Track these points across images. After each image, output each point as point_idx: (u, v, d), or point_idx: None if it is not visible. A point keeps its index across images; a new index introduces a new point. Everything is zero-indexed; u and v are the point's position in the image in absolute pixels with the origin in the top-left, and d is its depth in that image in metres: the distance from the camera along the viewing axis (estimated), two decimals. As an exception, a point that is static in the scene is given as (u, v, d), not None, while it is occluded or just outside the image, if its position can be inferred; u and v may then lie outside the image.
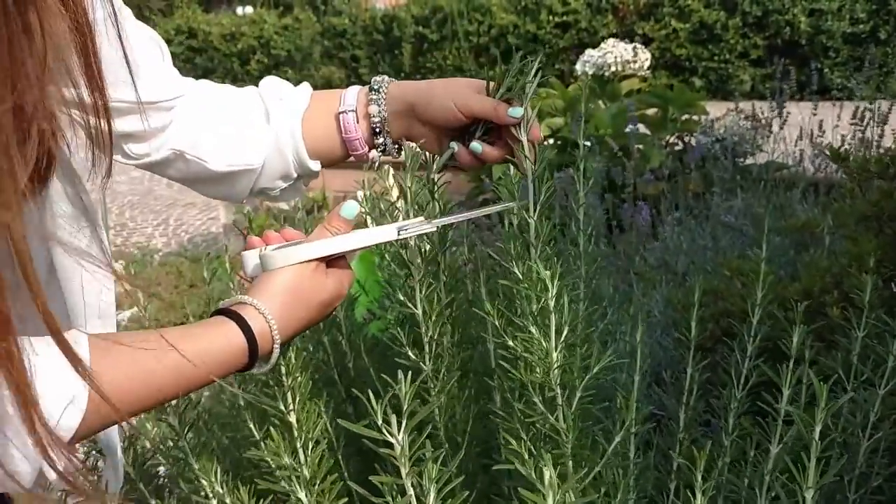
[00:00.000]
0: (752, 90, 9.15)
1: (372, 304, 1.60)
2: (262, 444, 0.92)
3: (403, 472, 0.56)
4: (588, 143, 2.92)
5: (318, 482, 0.78)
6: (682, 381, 1.07)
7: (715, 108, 3.02)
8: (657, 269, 2.05)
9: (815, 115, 2.75)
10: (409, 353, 0.88)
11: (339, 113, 0.86)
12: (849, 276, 1.50)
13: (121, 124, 0.75)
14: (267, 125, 0.86)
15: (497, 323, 0.80)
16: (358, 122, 0.86)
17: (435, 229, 0.78)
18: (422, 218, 0.78)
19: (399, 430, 0.55)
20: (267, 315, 0.68)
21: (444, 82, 0.84)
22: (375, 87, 0.86)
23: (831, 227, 1.94)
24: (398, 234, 0.75)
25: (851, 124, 2.70)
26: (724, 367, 1.12)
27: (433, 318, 0.87)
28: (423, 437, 0.60)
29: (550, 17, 10.00)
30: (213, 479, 0.82)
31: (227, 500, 0.81)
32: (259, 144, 0.85)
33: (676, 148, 3.10)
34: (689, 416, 1.05)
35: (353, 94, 0.87)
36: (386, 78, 0.88)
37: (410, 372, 0.59)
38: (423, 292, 0.87)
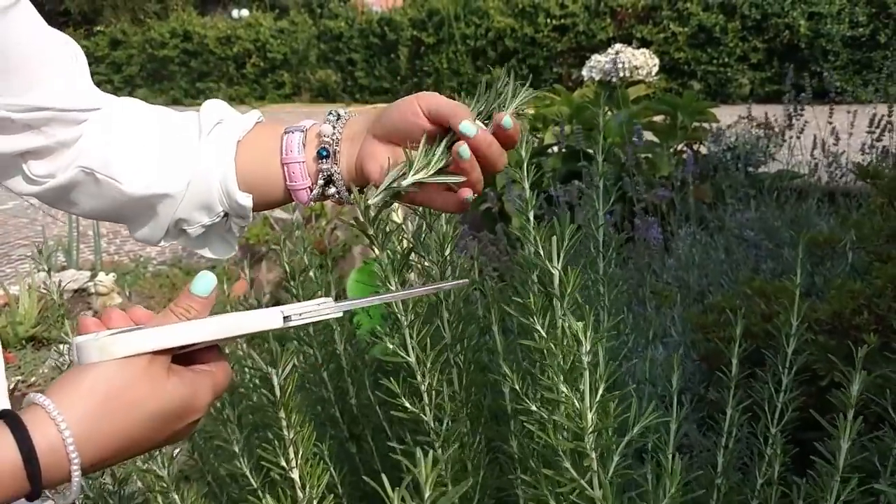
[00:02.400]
0: (751, 93, 9.09)
1: (375, 323, 1.51)
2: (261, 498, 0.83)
3: None
4: (590, 152, 2.83)
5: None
6: (720, 422, 0.97)
7: (719, 113, 2.94)
8: (670, 286, 1.96)
9: (830, 123, 2.66)
10: (406, 405, 0.79)
11: (284, 133, 0.71)
12: (883, 297, 1.41)
13: (17, 140, 0.64)
14: (196, 145, 0.72)
15: (518, 386, 0.71)
16: (304, 146, 0.70)
17: (340, 314, 0.60)
18: (326, 299, 0.60)
19: None
20: (61, 425, 0.49)
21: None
22: (336, 113, 0.74)
23: (854, 243, 1.85)
24: (283, 322, 0.57)
25: (868, 132, 2.62)
26: (751, 394, 1.03)
27: (428, 365, 0.77)
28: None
29: (548, 21, 9.94)
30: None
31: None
32: (183, 166, 0.71)
33: (685, 156, 3.01)
34: (727, 461, 0.96)
35: (308, 122, 0.74)
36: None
37: (431, 453, 0.49)
38: (416, 338, 0.77)
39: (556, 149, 3.00)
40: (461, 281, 0.70)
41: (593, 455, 0.64)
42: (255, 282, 3.44)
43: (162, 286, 3.01)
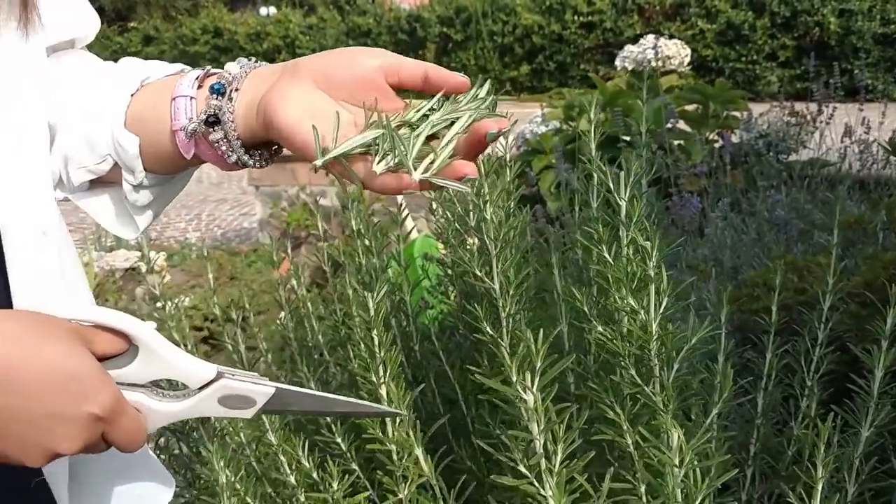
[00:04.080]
0: (779, 91, 9.08)
1: (426, 290, 1.60)
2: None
3: (537, 429, 0.56)
4: (627, 139, 2.91)
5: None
6: (759, 366, 1.06)
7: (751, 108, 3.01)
8: (705, 262, 2.04)
9: (861, 110, 2.72)
10: (489, 330, 0.88)
11: (178, 73, 0.62)
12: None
13: None
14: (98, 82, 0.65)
15: (586, 309, 0.80)
16: (201, 83, 0.59)
17: (270, 391, 0.55)
18: (264, 378, 0.56)
19: (533, 385, 0.55)
20: None
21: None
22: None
23: (884, 223, 1.92)
24: (214, 374, 0.54)
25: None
26: (788, 357, 1.11)
27: (511, 292, 0.86)
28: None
29: (575, 17, 9.98)
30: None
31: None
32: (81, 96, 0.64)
33: (716, 144, 3.08)
34: (766, 403, 1.05)
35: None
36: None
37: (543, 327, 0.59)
38: (500, 266, 0.86)
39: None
40: (393, 411, 0.73)
41: (655, 360, 0.73)
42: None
43: (209, 265, 3.13)
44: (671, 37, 9.22)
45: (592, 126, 0.98)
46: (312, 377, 1.28)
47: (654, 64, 2.95)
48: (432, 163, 0.52)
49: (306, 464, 0.91)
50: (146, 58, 0.70)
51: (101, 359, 0.50)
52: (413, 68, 0.56)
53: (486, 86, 0.58)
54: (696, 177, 2.26)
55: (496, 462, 0.83)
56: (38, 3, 0.61)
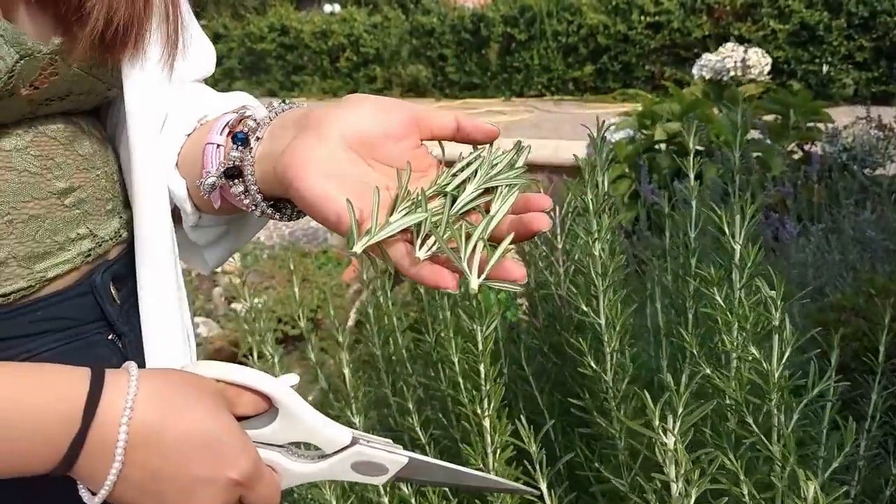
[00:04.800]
0: (855, 94, 8.75)
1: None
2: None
3: (674, 472, 0.55)
4: (701, 149, 2.86)
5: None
6: (863, 406, 1.03)
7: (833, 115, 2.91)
8: (790, 283, 1.99)
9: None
10: (591, 364, 0.88)
11: (234, 111, 0.61)
12: None
13: None
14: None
15: (695, 351, 0.79)
16: (231, 128, 0.58)
17: (405, 461, 0.56)
18: (397, 446, 0.57)
19: (675, 428, 0.54)
20: (132, 383, 0.47)
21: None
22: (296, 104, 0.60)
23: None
24: (349, 441, 0.55)
25: None
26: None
27: (616, 328, 0.86)
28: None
29: (642, 17, 9.81)
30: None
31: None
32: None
33: (795, 156, 2.99)
34: (868, 444, 1.02)
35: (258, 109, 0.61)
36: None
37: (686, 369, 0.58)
38: (607, 300, 0.86)
39: (664, 146, 3.03)
40: (526, 489, 0.65)
41: (775, 411, 0.72)
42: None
43: (281, 268, 3.20)
44: (742, 39, 8.99)
45: (692, 157, 0.96)
46: (392, 389, 1.29)
47: (732, 74, 2.89)
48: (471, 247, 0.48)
49: (406, 489, 0.93)
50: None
51: (242, 418, 0.53)
52: (444, 120, 0.54)
53: (525, 154, 0.56)
54: (786, 193, 2.20)
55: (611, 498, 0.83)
56: (185, 45, 0.64)
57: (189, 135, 0.63)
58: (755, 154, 2.80)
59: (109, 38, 0.54)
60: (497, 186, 0.52)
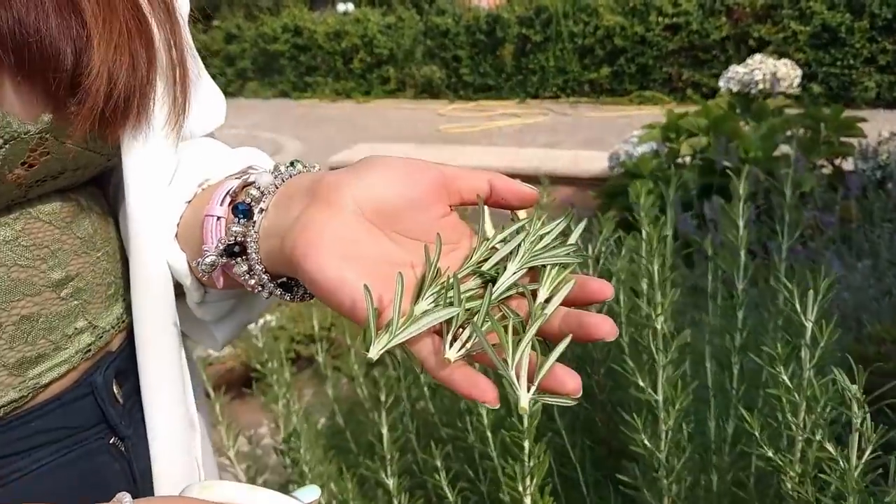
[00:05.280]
0: (877, 97, 8.61)
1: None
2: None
3: None
4: (728, 164, 2.77)
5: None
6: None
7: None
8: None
9: None
10: (645, 442, 0.81)
11: (236, 177, 0.53)
12: None
13: None
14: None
15: (758, 435, 0.72)
16: (233, 197, 0.51)
17: None
18: None
19: None
20: None
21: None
22: (303, 165, 0.53)
23: None
24: None
25: None
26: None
27: (676, 406, 0.79)
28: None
29: (660, 19, 9.70)
30: None
31: None
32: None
33: (824, 170, 2.90)
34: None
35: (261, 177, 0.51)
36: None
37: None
38: (665, 376, 0.79)
39: (688, 160, 2.95)
40: None
41: (852, 513, 0.65)
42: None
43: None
44: (760, 40, 8.86)
45: (742, 204, 0.89)
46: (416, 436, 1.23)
47: (761, 86, 2.80)
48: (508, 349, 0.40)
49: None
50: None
51: None
52: (475, 183, 0.46)
53: (579, 228, 0.48)
54: (827, 224, 2.12)
55: None
56: (191, 107, 0.57)
57: (189, 202, 0.55)
58: (784, 170, 2.71)
59: (110, 113, 0.47)
60: (543, 265, 0.45)
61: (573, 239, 0.48)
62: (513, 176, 0.51)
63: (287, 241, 0.44)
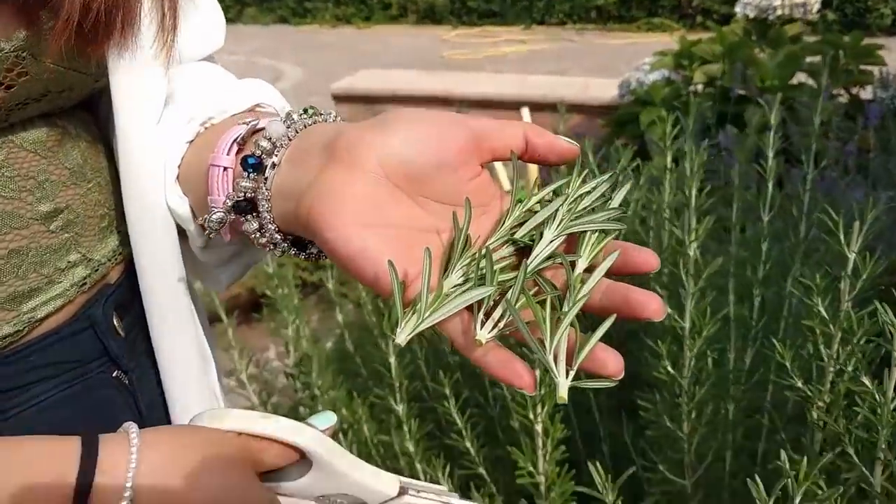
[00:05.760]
0: (893, 24, 8.38)
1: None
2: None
3: None
4: (743, 92, 2.70)
5: None
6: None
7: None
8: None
9: None
10: (668, 368, 0.80)
11: (242, 122, 0.48)
12: None
13: None
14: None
15: (790, 366, 0.71)
16: (240, 145, 0.47)
17: None
18: (452, 494, 0.50)
19: None
20: (133, 444, 0.40)
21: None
22: (316, 112, 0.48)
23: None
24: (396, 492, 0.48)
25: None
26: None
27: (702, 334, 0.78)
28: None
29: (672, -59, 9.36)
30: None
31: None
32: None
33: (840, 99, 2.83)
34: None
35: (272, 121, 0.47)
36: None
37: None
38: (693, 304, 0.78)
39: (699, 87, 2.88)
40: None
41: (883, 445, 0.64)
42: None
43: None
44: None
45: (772, 134, 0.85)
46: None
47: (779, 12, 2.70)
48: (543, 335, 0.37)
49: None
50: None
51: (270, 471, 0.45)
52: (510, 140, 0.42)
53: (623, 189, 0.44)
54: (848, 153, 2.07)
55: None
56: (179, 28, 0.52)
57: (191, 141, 0.51)
58: (801, 98, 2.65)
59: (89, 28, 0.43)
60: (583, 232, 0.41)
61: (616, 201, 0.44)
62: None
63: (303, 205, 0.41)
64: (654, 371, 0.79)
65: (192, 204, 0.50)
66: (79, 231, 0.50)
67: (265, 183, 0.44)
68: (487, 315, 0.38)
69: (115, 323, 0.53)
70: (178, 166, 0.50)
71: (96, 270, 0.51)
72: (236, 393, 1.33)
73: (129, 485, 0.39)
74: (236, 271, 0.57)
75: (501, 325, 0.38)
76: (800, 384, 0.72)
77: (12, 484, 0.36)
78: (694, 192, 0.70)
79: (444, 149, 0.40)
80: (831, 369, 0.70)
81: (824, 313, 0.67)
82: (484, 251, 0.39)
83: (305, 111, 0.47)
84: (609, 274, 0.40)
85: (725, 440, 0.85)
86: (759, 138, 0.97)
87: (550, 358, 0.37)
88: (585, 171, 0.43)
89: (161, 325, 0.53)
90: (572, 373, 0.37)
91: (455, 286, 0.39)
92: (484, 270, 0.38)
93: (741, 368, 0.93)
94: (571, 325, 0.38)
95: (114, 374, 0.53)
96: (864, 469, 0.65)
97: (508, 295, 0.38)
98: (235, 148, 0.46)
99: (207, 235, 0.48)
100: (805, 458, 0.52)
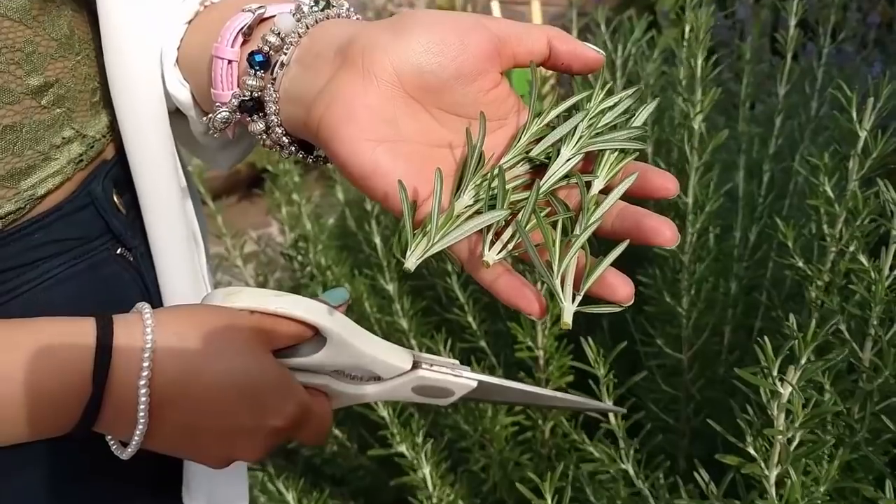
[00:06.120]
0: None
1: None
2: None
3: (784, 423, 0.47)
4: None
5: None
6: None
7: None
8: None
9: None
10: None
11: (245, 9, 0.46)
12: None
13: None
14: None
15: (792, 245, 0.71)
16: (246, 38, 0.45)
17: (473, 385, 0.51)
18: (464, 368, 0.51)
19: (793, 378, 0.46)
20: (147, 325, 0.40)
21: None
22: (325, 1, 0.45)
23: None
24: (409, 366, 0.49)
25: None
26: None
27: (705, 210, 0.77)
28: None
29: None
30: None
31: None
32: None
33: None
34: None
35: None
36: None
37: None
38: (696, 178, 0.77)
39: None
40: (612, 407, 0.61)
41: (874, 322, 0.65)
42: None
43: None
44: None
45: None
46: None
47: None
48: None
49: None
50: None
51: (284, 348, 0.46)
52: (533, 45, 0.40)
53: (648, 108, 0.42)
54: (870, 24, 1.98)
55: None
56: None
57: (190, 21, 0.49)
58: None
59: None
60: (602, 151, 0.40)
61: (640, 119, 0.42)
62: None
63: (314, 113, 0.40)
64: (656, 247, 0.80)
65: (194, 91, 0.49)
66: (70, 106, 0.49)
67: (273, 83, 0.42)
68: (498, 235, 0.38)
69: (115, 199, 0.53)
70: (178, 48, 0.49)
71: (92, 147, 0.51)
72: (233, 273, 1.34)
73: (146, 364, 0.39)
74: (238, 154, 0.57)
75: (510, 246, 0.38)
76: (800, 263, 0.73)
77: (30, 364, 0.37)
78: (700, 61, 0.68)
79: (465, 57, 0.39)
80: (833, 249, 0.70)
81: (830, 193, 0.67)
82: (497, 170, 0.38)
83: (317, 2, 0.44)
84: (626, 196, 0.39)
85: (723, 316, 0.87)
86: (781, 5, 0.92)
87: (557, 282, 0.37)
88: (609, 84, 0.42)
89: (151, 203, 0.53)
90: (578, 298, 0.37)
91: (467, 206, 0.38)
92: (496, 191, 0.38)
93: (745, 245, 0.93)
94: (582, 248, 0.37)
95: (118, 252, 0.53)
96: (854, 345, 0.67)
97: (519, 216, 0.38)
98: (240, 39, 0.44)
99: (212, 134, 0.47)
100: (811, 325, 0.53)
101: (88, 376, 0.38)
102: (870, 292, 0.64)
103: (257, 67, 0.43)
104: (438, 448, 0.78)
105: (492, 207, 0.38)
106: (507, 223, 0.39)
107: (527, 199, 0.38)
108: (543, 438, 0.86)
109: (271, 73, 0.42)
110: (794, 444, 0.46)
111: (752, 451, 0.47)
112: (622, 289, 0.37)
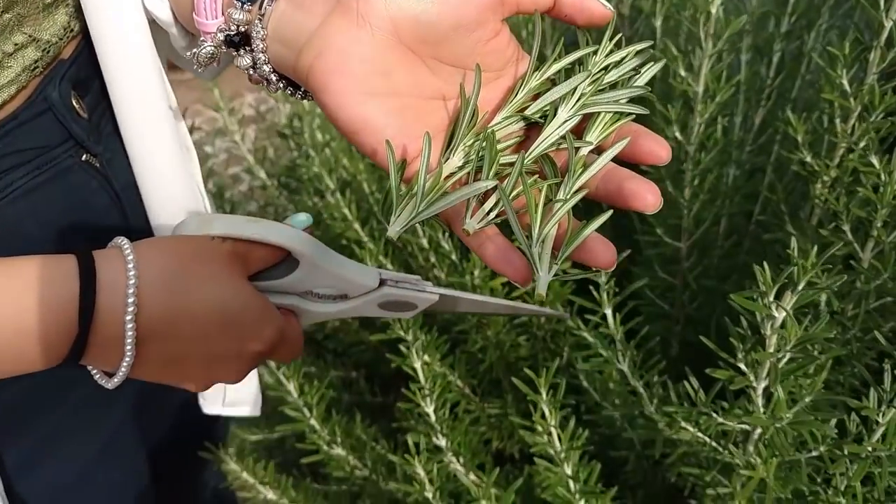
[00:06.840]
0: None
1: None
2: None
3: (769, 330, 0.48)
4: None
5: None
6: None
7: None
8: None
9: None
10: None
11: None
12: None
13: None
14: None
15: (801, 139, 0.68)
16: None
17: (435, 298, 0.51)
18: (426, 283, 0.52)
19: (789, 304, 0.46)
20: (129, 261, 0.39)
21: None
22: None
23: None
24: (377, 284, 0.50)
25: None
26: None
27: (715, 99, 0.74)
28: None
29: None
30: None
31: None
32: None
33: None
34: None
35: None
36: None
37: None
38: (709, 66, 0.72)
39: None
40: (558, 313, 0.65)
41: (879, 224, 0.64)
42: None
43: None
44: None
45: None
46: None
47: None
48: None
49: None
50: None
51: (257, 273, 0.47)
52: None
53: (652, 68, 0.40)
54: None
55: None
56: None
57: None
58: None
59: None
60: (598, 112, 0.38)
61: (644, 79, 0.40)
62: None
63: (303, 58, 0.38)
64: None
65: (174, 9, 0.46)
66: (20, 12, 0.45)
67: (261, 19, 0.40)
68: (485, 199, 0.37)
69: (73, 103, 0.50)
70: None
71: (47, 52, 0.47)
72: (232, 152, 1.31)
73: (131, 300, 0.39)
74: (221, 67, 0.54)
75: (492, 215, 0.37)
76: (808, 158, 0.70)
77: (13, 308, 0.37)
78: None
79: (466, 6, 0.36)
80: (843, 145, 0.68)
81: (847, 86, 0.63)
82: (487, 133, 0.37)
83: None
84: (616, 159, 0.38)
85: (724, 205, 0.86)
86: None
87: (536, 251, 0.36)
88: (618, 37, 0.39)
89: (125, 103, 0.51)
90: (555, 268, 0.36)
91: (457, 167, 0.37)
92: (486, 148, 0.37)
93: (749, 129, 0.91)
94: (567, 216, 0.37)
95: (83, 158, 0.52)
96: (855, 245, 0.66)
97: (504, 184, 0.37)
98: None
99: (196, 69, 0.45)
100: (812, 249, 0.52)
101: (74, 316, 0.38)
102: (877, 193, 0.62)
103: (244, 0, 0.40)
104: (435, 331, 0.79)
105: (479, 170, 0.38)
106: (495, 187, 0.38)
107: (515, 163, 0.38)
108: (539, 322, 0.88)
109: (259, 8, 0.40)
110: (784, 360, 0.47)
111: (742, 367, 0.48)
112: (603, 254, 0.36)
